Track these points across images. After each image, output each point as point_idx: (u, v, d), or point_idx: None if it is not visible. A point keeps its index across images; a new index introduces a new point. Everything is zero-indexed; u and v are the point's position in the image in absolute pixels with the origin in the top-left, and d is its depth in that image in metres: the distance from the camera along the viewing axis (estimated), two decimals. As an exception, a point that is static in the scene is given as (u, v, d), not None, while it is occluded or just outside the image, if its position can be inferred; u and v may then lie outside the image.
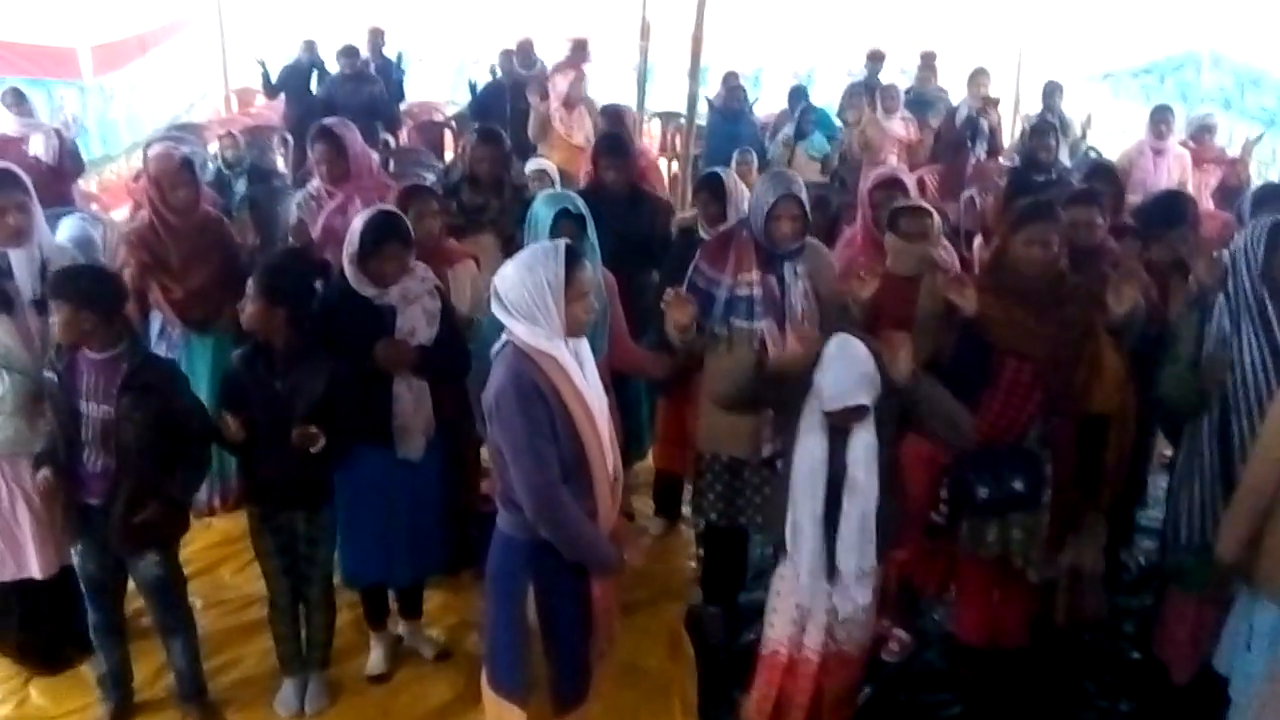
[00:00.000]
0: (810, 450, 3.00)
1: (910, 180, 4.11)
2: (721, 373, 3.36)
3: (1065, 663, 3.87)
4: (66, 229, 4.17)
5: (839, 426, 2.97)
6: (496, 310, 2.64)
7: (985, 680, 3.68)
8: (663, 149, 11.42)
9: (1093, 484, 3.50)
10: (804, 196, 3.59)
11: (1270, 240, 3.16)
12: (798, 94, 9.45)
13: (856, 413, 2.92)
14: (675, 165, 9.72)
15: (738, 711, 3.45)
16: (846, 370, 2.90)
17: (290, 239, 4.55)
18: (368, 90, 8.48)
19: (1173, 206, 4.24)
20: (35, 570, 3.49)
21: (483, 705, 3.14)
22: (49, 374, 3.13)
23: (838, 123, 8.86)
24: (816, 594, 3.10)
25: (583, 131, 7.68)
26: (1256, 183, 6.10)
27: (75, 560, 3.28)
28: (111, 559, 3.27)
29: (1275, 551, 2.86)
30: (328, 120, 4.66)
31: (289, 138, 8.82)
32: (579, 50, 9.94)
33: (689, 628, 4.04)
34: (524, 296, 2.58)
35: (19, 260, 3.29)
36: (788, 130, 7.99)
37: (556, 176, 5.61)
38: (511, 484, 2.66)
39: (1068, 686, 3.81)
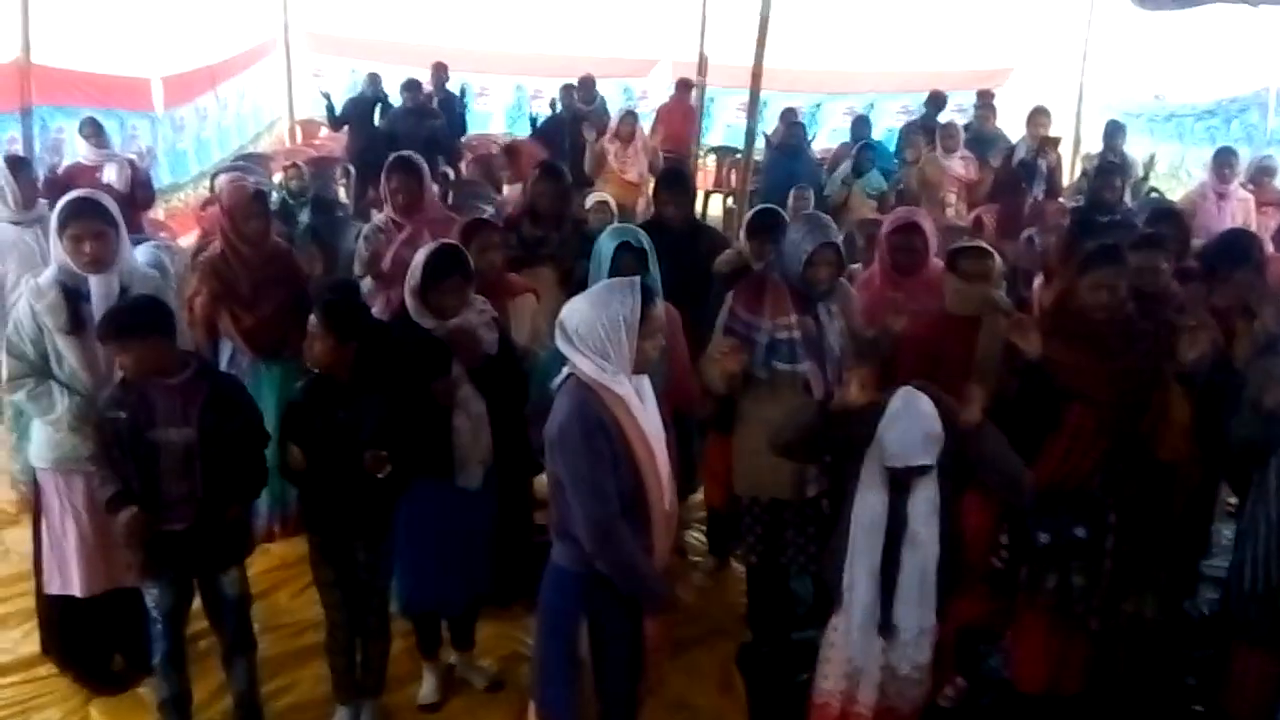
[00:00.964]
0: (871, 505, 2.98)
1: (929, 224, 4.11)
2: (781, 418, 3.35)
3: (1126, 713, 3.78)
4: (140, 256, 4.28)
5: (900, 481, 2.96)
6: (562, 344, 2.65)
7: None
8: (718, 183, 11.49)
9: (1157, 533, 3.44)
10: (839, 242, 3.62)
11: (1341, 286, 3.11)
12: (861, 123, 9.44)
13: (920, 471, 2.92)
14: (730, 200, 9.78)
15: None
16: (911, 428, 2.88)
17: (358, 271, 4.64)
18: (429, 124, 8.63)
19: (1238, 245, 4.18)
20: (76, 588, 3.53)
21: (532, 737, 3.17)
22: (113, 414, 3.11)
23: (895, 161, 8.86)
24: (869, 650, 3.07)
25: (636, 168, 7.77)
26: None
27: (150, 594, 3.27)
28: (186, 585, 3.32)
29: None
30: (404, 152, 4.80)
31: (351, 169, 9.00)
32: (684, 89, 10.06)
33: (740, 666, 4.01)
34: (598, 331, 2.59)
35: (98, 286, 3.36)
36: (845, 168, 7.98)
37: (615, 208, 5.67)
38: (568, 516, 2.67)
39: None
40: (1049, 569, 3.33)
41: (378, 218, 4.79)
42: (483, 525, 3.62)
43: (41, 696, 3.72)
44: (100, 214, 3.39)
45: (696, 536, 5.02)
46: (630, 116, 8.20)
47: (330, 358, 3.27)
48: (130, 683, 3.71)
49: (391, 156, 4.79)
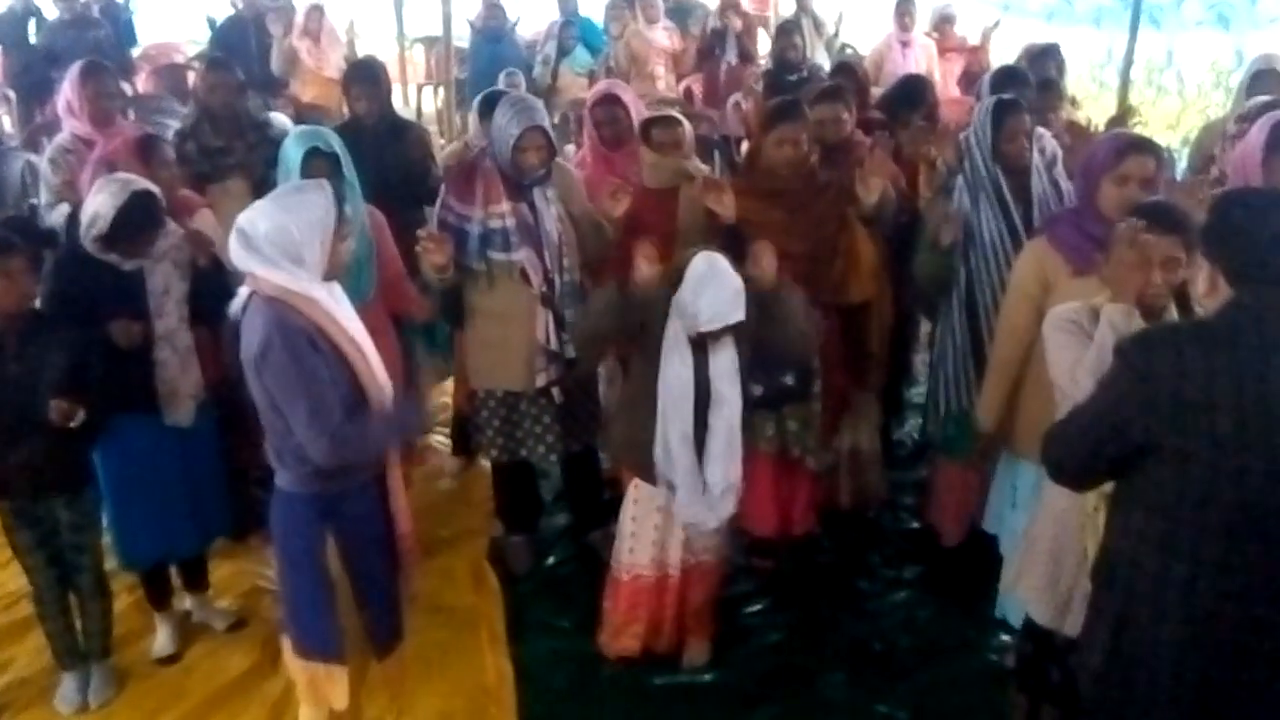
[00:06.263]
0: (677, 371, 3.00)
1: (630, 95, 4.11)
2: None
3: (851, 540, 4.08)
4: None
5: (701, 344, 2.98)
6: (243, 254, 2.48)
7: (781, 568, 3.85)
8: (429, 75, 11.08)
9: (859, 369, 3.66)
10: (548, 125, 3.52)
11: (996, 119, 3.33)
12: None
13: (734, 329, 2.94)
14: (442, 91, 9.44)
15: (600, 636, 3.46)
16: (721, 289, 2.89)
17: (46, 199, 4.18)
18: (92, 35, 7.82)
19: (910, 91, 4.40)
20: None
21: (282, 670, 3.07)
22: None
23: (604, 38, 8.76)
24: (681, 511, 3.13)
25: (334, 64, 7.35)
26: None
27: None
28: None
29: (1031, 415, 3.04)
30: (91, 59, 4.47)
31: (11, 94, 8.11)
32: None
33: (493, 560, 4.02)
34: (292, 236, 2.45)
35: None
36: (549, 49, 7.85)
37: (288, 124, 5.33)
38: (286, 440, 2.55)
39: (855, 561, 4.01)
40: (766, 417, 3.48)
41: (60, 137, 4.31)
42: (205, 461, 3.41)
43: None
44: None
45: (440, 440, 4.97)
46: (317, 11, 7.71)
47: (13, 296, 2.95)
48: None
49: (79, 64, 4.35)
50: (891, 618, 3.73)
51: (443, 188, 3.66)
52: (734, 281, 2.92)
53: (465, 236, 3.51)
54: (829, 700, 3.35)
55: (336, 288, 2.63)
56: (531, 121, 3.43)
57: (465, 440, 4.69)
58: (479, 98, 4.53)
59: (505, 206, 3.50)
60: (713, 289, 2.90)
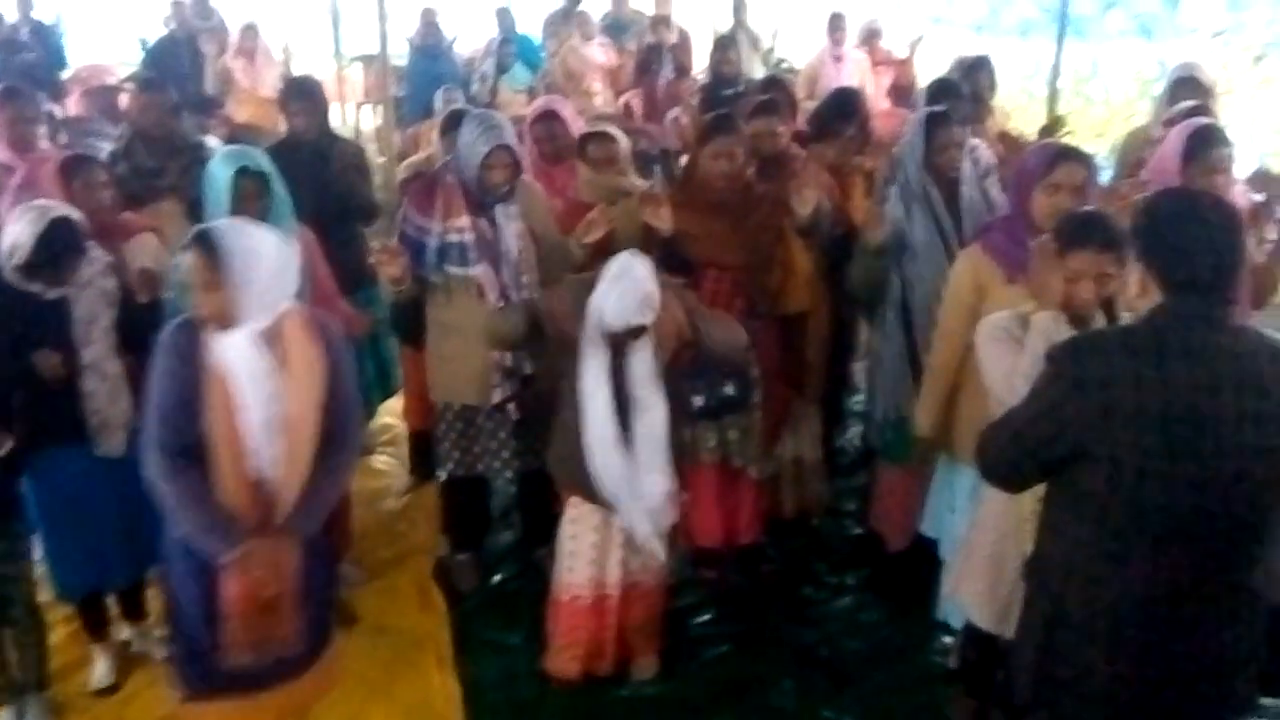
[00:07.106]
0: (594, 373, 2.99)
1: (568, 110, 4.13)
2: (491, 318, 3.32)
3: (796, 548, 4.11)
4: None
5: (617, 348, 2.98)
6: None
7: (727, 579, 3.87)
8: (366, 94, 11.00)
9: (798, 378, 3.70)
10: (515, 143, 3.51)
11: (927, 131, 3.40)
12: (504, 16, 9.26)
13: (636, 332, 2.94)
14: (381, 110, 9.38)
15: (544, 657, 3.41)
16: (629, 289, 2.90)
17: None
18: (20, 59, 7.68)
19: (844, 102, 4.45)
20: None
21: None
22: None
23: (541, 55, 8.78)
24: (617, 526, 3.12)
25: (269, 83, 7.31)
26: (924, 80, 6.52)
27: None
28: None
29: (968, 420, 3.07)
30: (7, 83, 4.40)
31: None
32: None
33: (439, 579, 4.00)
34: None
35: None
36: (487, 66, 7.85)
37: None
38: None
39: (800, 569, 4.05)
40: (707, 428, 3.51)
41: None
42: (138, 490, 3.26)
43: None
44: None
45: (386, 459, 4.93)
46: (251, 30, 7.68)
47: None
48: None
49: None
50: (837, 623, 3.77)
51: (404, 200, 3.64)
52: (646, 285, 2.92)
53: (423, 249, 3.50)
54: (778, 708, 3.37)
55: (249, 343, 2.43)
56: (500, 140, 3.41)
57: (419, 458, 4.65)
58: (444, 114, 4.56)
59: (465, 221, 3.49)
60: (621, 288, 2.91)
